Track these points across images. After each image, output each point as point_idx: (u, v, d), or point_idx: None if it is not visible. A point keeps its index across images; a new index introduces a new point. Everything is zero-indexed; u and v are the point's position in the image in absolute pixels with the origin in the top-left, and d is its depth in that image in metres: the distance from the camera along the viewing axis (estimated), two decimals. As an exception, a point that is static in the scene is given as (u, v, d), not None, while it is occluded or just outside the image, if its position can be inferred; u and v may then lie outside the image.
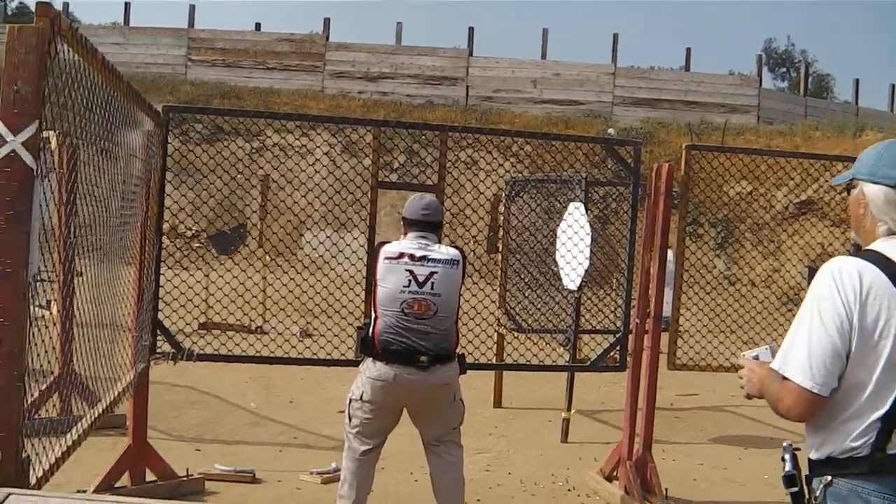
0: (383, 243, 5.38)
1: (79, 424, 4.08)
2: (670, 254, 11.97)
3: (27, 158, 2.89)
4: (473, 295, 7.11)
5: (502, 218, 9.56)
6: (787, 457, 2.87)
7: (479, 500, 6.47)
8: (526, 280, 9.14)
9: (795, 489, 2.82)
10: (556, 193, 8.62)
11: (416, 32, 42.60)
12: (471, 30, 26.18)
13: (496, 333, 8.97)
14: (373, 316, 5.26)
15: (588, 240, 7.22)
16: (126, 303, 5.48)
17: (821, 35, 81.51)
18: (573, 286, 7.50)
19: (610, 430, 8.69)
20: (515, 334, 8.94)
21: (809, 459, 2.85)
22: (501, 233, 9.57)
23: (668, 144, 21.47)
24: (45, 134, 5.83)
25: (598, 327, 9.28)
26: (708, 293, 8.28)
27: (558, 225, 7.83)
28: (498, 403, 9.36)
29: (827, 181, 17.85)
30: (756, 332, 7.30)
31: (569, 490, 6.83)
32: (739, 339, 7.35)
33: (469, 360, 6.42)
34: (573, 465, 7.47)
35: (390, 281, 5.18)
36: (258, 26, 27.96)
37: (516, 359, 7.61)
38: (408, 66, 26.04)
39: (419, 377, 5.14)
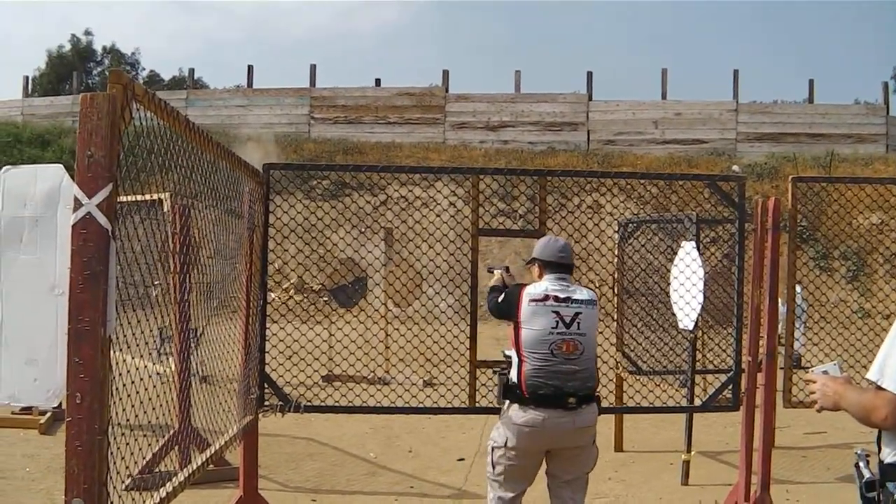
0: (523, 286, 5.38)
1: (175, 478, 4.16)
2: (800, 289, 11.71)
3: (102, 220, 2.99)
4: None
5: (616, 259, 9.48)
6: (861, 464, 3.05)
7: (590, 547, 6.36)
8: (644, 321, 9.03)
9: (873, 494, 2.98)
10: (670, 233, 8.52)
11: (534, 79, 42.86)
12: (589, 74, 26.27)
13: (616, 376, 8.91)
14: (515, 360, 5.24)
15: (701, 279, 7.10)
16: (234, 357, 5.61)
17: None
18: (689, 326, 7.39)
19: (732, 472, 8.44)
20: (635, 377, 8.82)
21: (884, 464, 2.98)
22: (616, 274, 9.48)
23: (745, 177, 21.14)
24: (159, 196, 6.09)
25: (720, 367, 9.11)
26: (846, 328, 8.06)
27: (672, 264, 7.73)
28: (619, 447, 9.23)
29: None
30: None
31: (688, 535, 6.70)
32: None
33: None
34: (694, 508, 7.33)
35: (538, 323, 5.19)
36: (378, 82, 28.45)
37: (638, 401, 7.51)
38: (528, 113, 26.24)
39: (567, 419, 5.12)
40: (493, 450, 5.32)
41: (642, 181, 20.33)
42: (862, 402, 3.00)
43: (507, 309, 5.38)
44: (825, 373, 3.25)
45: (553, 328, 5.17)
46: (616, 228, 9.82)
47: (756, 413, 6.53)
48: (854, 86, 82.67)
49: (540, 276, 5.43)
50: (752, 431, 6.52)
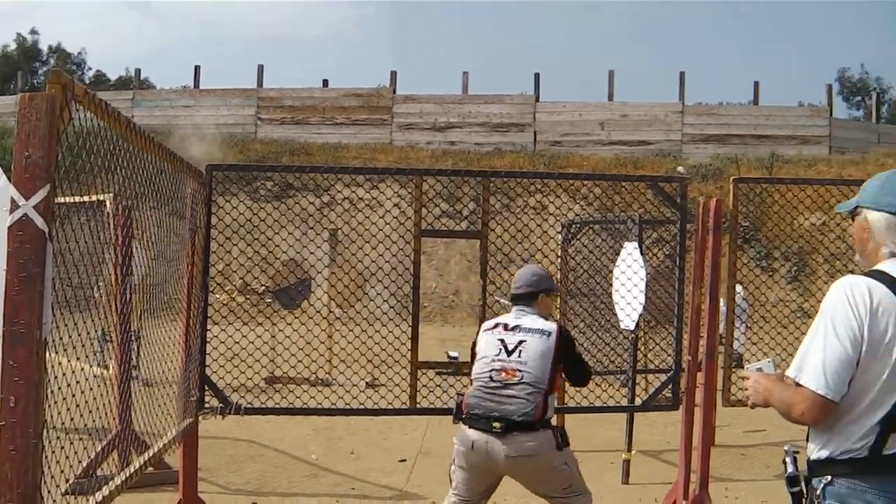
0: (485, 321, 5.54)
1: (112, 482, 4.13)
2: (740, 289, 11.84)
3: (38, 221, 2.97)
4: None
5: (560, 260, 9.54)
6: (788, 459, 3.17)
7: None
8: (586, 321, 9.10)
9: (797, 489, 3.10)
10: (613, 234, 8.59)
11: (482, 80, 42.98)
12: (537, 76, 26.37)
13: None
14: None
15: (643, 279, 7.17)
16: (175, 359, 5.58)
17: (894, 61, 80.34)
18: (630, 326, 7.45)
19: (672, 470, 8.52)
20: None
21: (810, 460, 3.08)
22: (559, 275, 9.54)
23: (688, 178, 21.34)
24: (101, 197, 6.04)
25: (661, 367, 9.19)
26: (784, 328, 8.15)
27: (614, 265, 7.80)
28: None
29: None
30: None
31: (627, 533, 6.76)
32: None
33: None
34: (633, 506, 7.40)
35: (484, 350, 5.31)
36: (325, 83, 28.38)
37: (579, 401, 7.54)
38: (475, 114, 26.29)
39: (496, 446, 5.08)
40: (451, 463, 5.44)
41: (587, 182, 20.52)
42: (783, 399, 3.10)
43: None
44: (759, 370, 3.34)
45: (496, 355, 5.23)
46: (559, 229, 9.89)
47: (696, 412, 6.60)
48: (799, 89, 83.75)
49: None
50: (691, 430, 6.59)
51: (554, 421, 5.34)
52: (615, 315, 7.88)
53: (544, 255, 9.39)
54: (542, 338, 5.21)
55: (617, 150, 25.02)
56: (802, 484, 3.10)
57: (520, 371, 5.13)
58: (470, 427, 5.16)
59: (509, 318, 5.38)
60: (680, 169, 22.86)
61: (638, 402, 7.22)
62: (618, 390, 8.59)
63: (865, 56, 70.82)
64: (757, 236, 20.89)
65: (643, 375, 9.94)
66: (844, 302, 2.99)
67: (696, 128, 25.87)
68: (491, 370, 5.20)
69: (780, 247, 20.57)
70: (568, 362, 5.31)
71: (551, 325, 5.32)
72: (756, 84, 27.09)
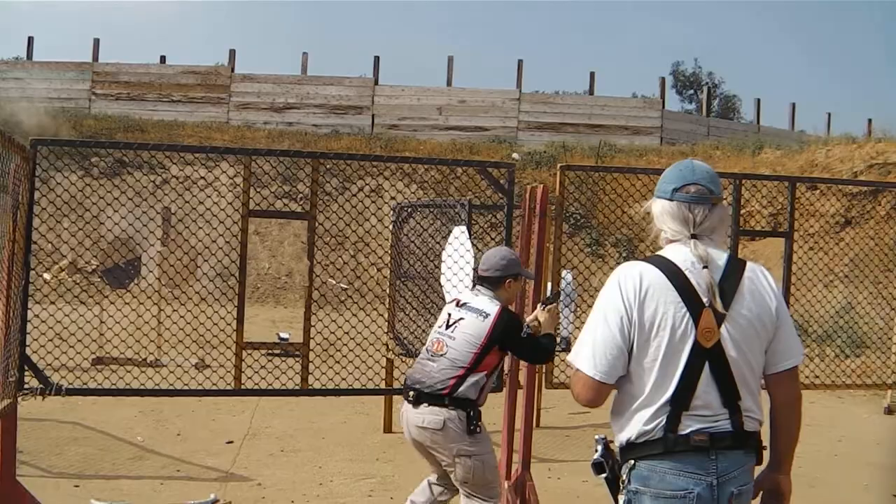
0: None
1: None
2: (568, 275, 12.12)
3: None
4: (362, 321, 7.15)
5: (390, 243, 9.62)
6: (598, 447, 3.21)
7: (347, 525, 6.48)
8: (414, 305, 9.19)
9: (604, 475, 3.16)
10: (442, 217, 8.69)
11: (322, 63, 42.72)
12: (376, 59, 26.36)
13: (386, 360, 9.04)
14: None
15: (470, 263, 7.28)
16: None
17: (727, 56, 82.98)
18: (458, 309, 7.56)
19: (498, 451, 8.75)
20: (404, 359, 8.97)
21: (618, 447, 3.17)
22: (389, 258, 9.61)
23: (515, 164, 21.72)
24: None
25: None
26: None
27: (443, 249, 7.89)
28: (388, 428, 9.38)
29: (726, 198, 18.29)
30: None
31: (449, 512, 6.88)
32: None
33: (357, 385, 6.48)
34: (458, 487, 7.52)
35: (437, 322, 5.55)
36: (163, 59, 27.81)
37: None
38: (313, 95, 26.16)
39: (411, 414, 5.27)
40: None
41: (424, 166, 20.67)
42: (571, 381, 3.23)
43: None
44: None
45: (439, 327, 5.42)
46: (388, 213, 9.96)
47: (519, 394, 6.77)
48: (634, 81, 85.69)
49: None
50: (514, 411, 6.76)
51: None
52: (443, 298, 8.00)
53: (374, 237, 9.50)
54: (479, 318, 5.27)
55: (454, 135, 25.22)
56: (608, 469, 3.18)
57: (447, 346, 5.25)
58: (404, 398, 5.36)
59: (466, 296, 5.53)
60: (514, 155, 23.19)
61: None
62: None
63: (699, 51, 72.70)
64: (588, 224, 21.37)
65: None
66: (616, 288, 3.13)
67: (531, 115, 26.28)
68: (431, 340, 5.41)
69: (613, 234, 21.10)
70: (512, 345, 5.34)
71: (494, 308, 5.33)
72: (592, 74, 27.73)
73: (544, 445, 8.70)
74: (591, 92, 27.85)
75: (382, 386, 8.78)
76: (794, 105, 31.58)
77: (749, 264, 3.26)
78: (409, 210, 9.47)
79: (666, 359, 3.07)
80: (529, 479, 6.65)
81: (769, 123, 30.63)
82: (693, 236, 3.20)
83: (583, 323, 3.26)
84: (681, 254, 3.17)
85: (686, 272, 3.12)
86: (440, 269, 7.88)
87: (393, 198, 11.09)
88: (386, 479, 7.71)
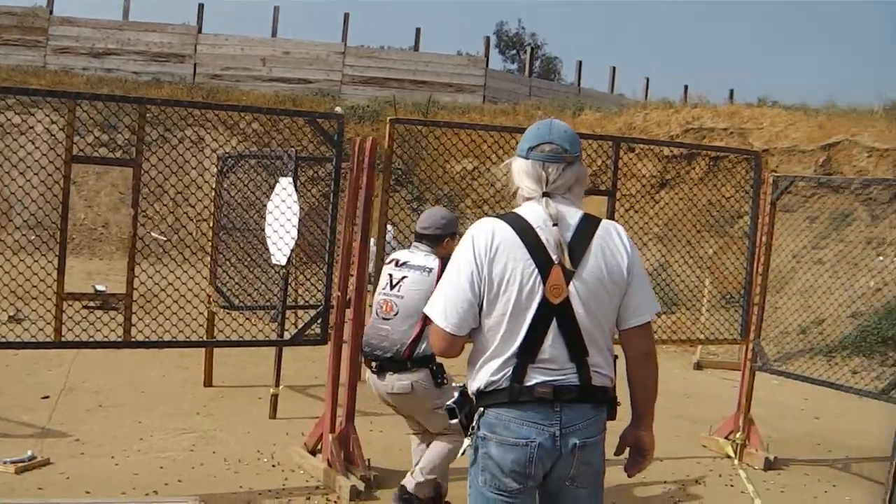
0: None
1: None
2: (390, 231, 12.10)
3: None
4: (184, 273, 6.94)
5: (214, 194, 9.39)
6: (455, 394, 3.32)
7: (180, 481, 6.32)
8: (239, 256, 9.01)
9: (455, 420, 3.29)
10: (268, 169, 8.52)
11: (144, 8, 41.34)
12: (200, 6, 25.62)
13: (208, 311, 8.83)
14: None
15: (296, 215, 7.15)
16: None
17: (550, 19, 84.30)
18: (281, 261, 7.43)
19: (318, 405, 8.63)
20: (228, 312, 8.79)
21: (471, 393, 3.31)
22: (213, 208, 9.39)
23: (344, 115, 21.63)
24: None
25: (311, 302, 9.27)
26: None
27: (268, 200, 7.74)
28: (209, 382, 9.22)
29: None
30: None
31: (273, 466, 6.80)
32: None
33: (180, 338, 6.32)
34: (280, 440, 7.45)
35: (378, 285, 5.76)
36: (-24, -1, 26.38)
37: (228, 335, 7.46)
38: (134, 42, 25.27)
39: (380, 384, 5.58)
40: None
41: (246, 117, 20.26)
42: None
43: None
44: None
45: (383, 289, 5.64)
46: (215, 162, 9.71)
47: (343, 347, 6.72)
48: (460, 39, 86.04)
49: None
50: (338, 365, 6.70)
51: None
52: (268, 250, 7.86)
53: (194, 191, 9.21)
54: (423, 274, 5.50)
55: (277, 87, 24.75)
56: (460, 415, 3.29)
57: (396, 305, 5.50)
58: (366, 367, 5.70)
59: (403, 255, 5.72)
60: (338, 109, 22.93)
61: (287, 337, 7.24)
62: (267, 325, 8.57)
63: (523, 12, 73.50)
64: (410, 179, 21.36)
65: (293, 311, 9.99)
66: (469, 245, 3.24)
67: (356, 70, 26.02)
68: (377, 303, 5.61)
69: (433, 190, 21.18)
70: None
71: (435, 262, 5.53)
72: (418, 30, 27.59)
73: (369, 398, 8.67)
74: (416, 48, 27.76)
75: (205, 338, 8.58)
76: (613, 69, 32.28)
77: (604, 223, 3.34)
78: (234, 161, 9.25)
79: (514, 313, 3.18)
80: (353, 432, 6.64)
81: (590, 86, 31.25)
82: (545, 194, 3.28)
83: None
84: (534, 211, 3.26)
85: (537, 230, 3.21)
86: (265, 221, 7.74)
87: (214, 151, 10.81)
88: (207, 433, 7.58)
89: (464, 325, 3.23)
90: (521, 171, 3.35)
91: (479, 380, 3.24)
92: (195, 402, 8.55)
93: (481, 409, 3.25)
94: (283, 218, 7.06)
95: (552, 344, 3.18)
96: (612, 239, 3.30)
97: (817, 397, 10.37)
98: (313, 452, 6.84)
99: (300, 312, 9.53)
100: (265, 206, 7.91)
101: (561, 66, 47.04)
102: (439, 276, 5.11)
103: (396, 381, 5.48)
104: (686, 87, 31.07)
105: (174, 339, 6.46)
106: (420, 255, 5.63)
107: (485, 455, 3.23)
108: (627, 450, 3.46)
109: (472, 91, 26.57)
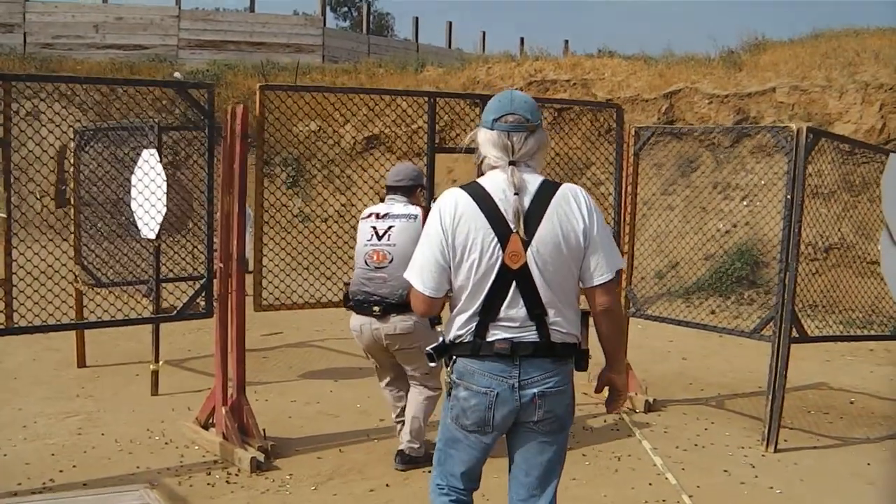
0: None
1: None
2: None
3: None
4: (43, 249, 6.70)
5: (73, 169, 9.09)
6: (439, 339, 3.72)
7: (74, 466, 6.16)
8: (102, 232, 8.77)
9: (434, 364, 3.76)
10: (128, 141, 8.30)
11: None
12: (26, -27, 24.59)
13: (75, 291, 8.58)
14: None
15: (163, 187, 6.97)
16: None
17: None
18: (152, 235, 7.25)
19: (199, 378, 8.61)
20: (95, 289, 8.55)
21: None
22: (73, 185, 9.09)
23: (235, 86, 21.27)
24: None
25: (179, 275, 9.12)
26: (288, 233, 8.28)
27: (132, 173, 7.54)
28: (82, 363, 8.98)
29: (389, 116, 18.16)
30: (333, 266, 7.44)
31: (167, 443, 6.70)
32: (322, 274, 7.45)
33: (51, 321, 6.11)
34: (167, 417, 7.34)
35: (360, 237, 6.13)
36: None
37: (100, 315, 7.25)
38: (-41, 12, 24.07)
39: (378, 325, 5.95)
40: None
41: (86, 87, 19.60)
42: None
43: None
44: None
45: (368, 240, 6.04)
46: (71, 137, 9.37)
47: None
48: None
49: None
50: (226, 336, 6.63)
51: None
52: (134, 225, 7.67)
53: (43, 163, 8.90)
54: (409, 221, 5.99)
55: (112, 53, 23.98)
56: (437, 359, 3.71)
57: (390, 253, 5.94)
58: (356, 313, 6.03)
59: (381, 208, 6.15)
60: (176, 74, 22.42)
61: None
62: (139, 301, 8.37)
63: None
64: (254, 143, 20.99)
65: (165, 284, 9.79)
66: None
67: (192, 33, 25.43)
68: (365, 255, 6.01)
69: (280, 153, 20.93)
70: None
71: (417, 210, 6.07)
72: (253, -9, 27.22)
73: (250, 370, 8.62)
74: (251, 9, 27.29)
75: (75, 319, 8.35)
76: (450, 24, 32.43)
77: (563, 188, 3.62)
78: (92, 133, 8.97)
79: (477, 277, 3.53)
80: (246, 403, 6.61)
81: (426, 41, 31.30)
82: (511, 163, 3.58)
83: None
84: (495, 181, 3.58)
85: (497, 200, 3.53)
86: (130, 194, 7.55)
87: (52, 120, 10.45)
88: (91, 415, 7.41)
89: (440, 288, 3.60)
90: (486, 142, 3.62)
91: (450, 332, 3.64)
92: (73, 384, 8.33)
93: (453, 356, 3.64)
94: (148, 191, 6.89)
95: (511, 304, 3.52)
96: (568, 205, 3.56)
97: (680, 339, 10.76)
98: (205, 427, 6.77)
99: (172, 285, 9.31)
100: (126, 178, 7.72)
101: (394, 21, 47.07)
102: (423, 222, 5.20)
103: (400, 322, 5.91)
104: (522, 40, 31.44)
105: (59, 323, 6.26)
106: (400, 206, 6.09)
107: (454, 396, 3.66)
108: (606, 389, 3.86)
109: (310, 51, 26.29)
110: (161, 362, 8.21)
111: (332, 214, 17.45)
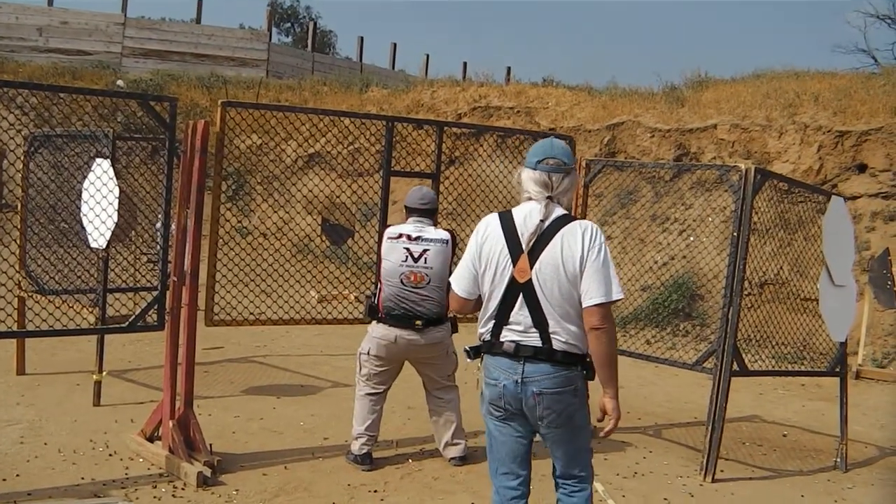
0: (388, 226, 6.73)
1: None
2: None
3: None
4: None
5: (21, 175, 9.00)
6: (468, 348, 4.45)
7: (18, 476, 6.11)
8: (48, 240, 8.68)
9: (470, 359, 4.45)
10: (80, 149, 8.25)
11: None
12: (-29, -28, 24.25)
13: (17, 298, 8.49)
14: (378, 286, 6.67)
15: (115, 197, 6.94)
16: None
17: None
18: (101, 244, 7.21)
19: (141, 390, 8.57)
20: (37, 297, 8.45)
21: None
22: (19, 191, 9.00)
23: (178, 97, 21.16)
24: None
25: (122, 285, 9.08)
26: (225, 242, 8.23)
27: (82, 181, 7.50)
28: (21, 370, 8.89)
29: (334, 134, 18.17)
30: (273, 282, 7.47)
31: (111, 455, 6.66)
32: (259, 289, 7.46)
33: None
34: (110, 428, 7.29)
35: (392, 257, 6.54)
36: None
37: (38, 324, 7.15)
38: None
39: (416, 337, 6.57)
40: (360, 355, 6.80)
41: (21, 91, 19.35)
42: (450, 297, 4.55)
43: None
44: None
45: (403, 261, 6.51)
46: (6, 140, 9.27)
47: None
48: (240, 11, 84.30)
49: (405, 220, 6.73)
50: (177, 350, 6.62)
51: None
52: (83, 232, 7.61)
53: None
54: (443, 245, 6.58)
55: (55, 58, 23.71)
56: (474, 355, 4.44)
57: (427, 275, 6.52)
58: (390, 325, 6.57)
59: (409, 230, 6.60)
60: (119, 83, 22.28)
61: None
62: (84, 308, 8.29)
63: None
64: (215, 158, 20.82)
65: (113, 295, 9.72)
66: (474, 233, 4.39)
67: (137, 41, 25.25)
68: (400, 275, 6.50)
69: (224, 167, 20.87)
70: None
71: (446, 235, 6.64)
72: (199, 2, 27.04)
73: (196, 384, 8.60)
74: (198, 20, 27.22)
75: (14, 326, 8.25)
76: (395, 45, 32.54)
77: (575, 222, 4.28)
78: (43, 140, 8.91)
79: (494, 287, 4.30)
80: (193, 417, 6.61)
81: (369, 61, 31.37)
82: (548, 198, 4.28)
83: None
84: (523, 209, 4.33)
85: (517, 224, 4.27)
86: (79, 203, 7.50)
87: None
88: (33, 423, 7.33)
89: (471, 291, 4.39)
90: (529, 179, 4.35)
91: (478, 332, 4.41)
92: (12, 392, 8.24)
93: (483, 353, 4.40)
94: (95, 200, 6.84)
95: (519, 311, 4.24)
96: (573, 235, 4.20)
97: (617, 368, 10.87)
98: (150, 439, 6.75)
99: (117, 295, 9.24)
100: (72, 186, 7.68)
101: (336, 40, 47.10)
102: (453, 246, 6.62)
103: (435, 332, 6.64)
104: (465, 65, 31.65)
105: (10, 330, 6.21)
106: (431, 230, 6.64)
107: (481, 391, 4.44)
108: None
109: (255, 65, 26.27)
110: (104, 373, 8.15)
111: (269, 230, 17.51)
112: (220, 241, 7.10)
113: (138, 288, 9.24)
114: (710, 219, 14.53)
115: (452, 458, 6.96)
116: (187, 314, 6.57)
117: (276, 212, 16.58)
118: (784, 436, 8.77)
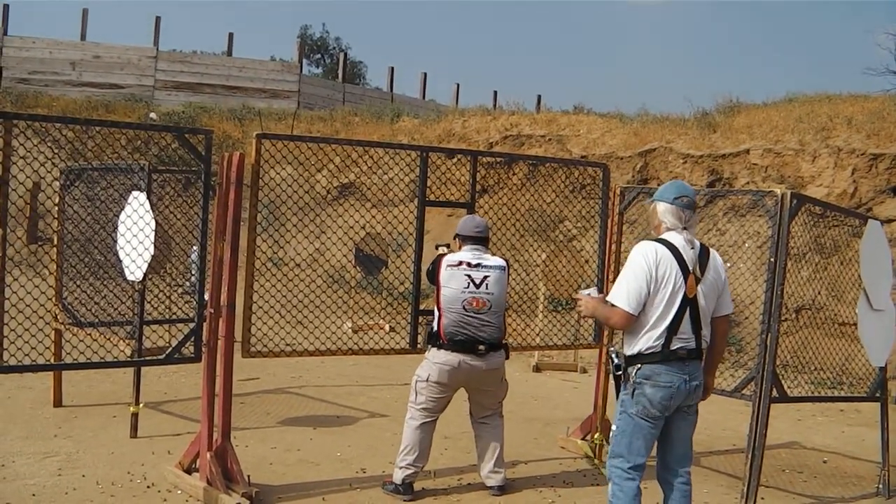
0: (443, 255, 6.88)
1: None
2: (195, 249, 11.93)
3: None
4: (21, 287, 6.65)
5: (57, 208, 9.06)
6: (613, 355, 5.28)
7: (56, 508, 6.13)
8: (84, 273, 8.73)
9: (619, 373, 5.21)
10: (116, 181, 8.30)
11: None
12: (5, 7, 24.63)
13: (53, 331, 8.53)
14: (437, 314, 6.75)
15: (151, 230, 6.96)
16: None
17: (354, 22, 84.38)
18: (137, 276, 7.24)
19: (177, 422, 8.57)
20: (73, 330, 8.47)
21: (626, 356, 5.18)
22: (56, 224, 9.05)
23: (213, 130, 21.30)
24: None
25: (158, 317, 9.12)
26: (261, 274, 8.22)
27: (118, 214, 7.53)
28: (58, 402, 8.91)
29: (366, 164, 18.17)
30: (310, 312, 7.46)
31: (148, 487, 6.63)
32: (296, 320, 7.46)
33: (26, 360, 6.05)
34: (147, 460, 7.28)
35: (453, 284, 6.69)
36: None
37: (76, 357, 7.18)
38: (-68, 45, 23.99)
39: (478, 363, 6.67)
40: (416, 382, 6.80)
41: (57, 125, 19.54)
42: (605, 313, 5.20)
43: (431, 274, 6.88)
44: (589, 294, 5.36)
45: (465, 288, 6.66)
46: (43, 174, 9.34)
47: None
48: (270, 43, 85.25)
49: (459, 248, 6.91)
50: (213, 381, 6.61)
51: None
52: (119, 265, 7.64)
53: (12, 202, 8.83)
54: (501, 272, 6.78)
55: (88, 91, 24.03)
56: (622, 371, 5.19)
57: (489, 301, 6.69)
58: (453, 350, 6.63)
59: (468, 257, 6.78)
60: (152, 115, 22.51)
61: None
62: (121, 340, 8.31)
63: (326, 15, 73.40)
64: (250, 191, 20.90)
65: (150, 327, 9.75)
66: (641, 256, 5.05)
67: (168, 74, 25.54)
68: (463, 301, 6.64)
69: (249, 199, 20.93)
70: None
71: (503, 262, 6.86)
72: (230, 35, 27.32)
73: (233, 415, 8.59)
74: (229, 53, 27.46)
75: (52, 359, 8.29)
76: (425, 74, 32.65)
77: (712, 251, 5.33)
78: (78, 173, 8.97)
79: (667, 302, 5.07)
80: (230, 448, 6.60)
81: (400, 92, 31.48)
82: (683, 228, 5.19)
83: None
84: (675, 239, 5.16)
85: (681, 250, 5.11)
86: (115, 235, 7.53)
87: (24, 157, 10.44)
88: (71, 455, 7.34)
89: (639, 308, 5.04)
90: (667, 212, 5.22)
91: (641, 345, 5.10)
92: (49, 424, 8.26)
93: (639, 364, 5.10)
94: (131, 233, 6.87)
95: (685, 322, 5.11)
96: (716, 261, 5.33)
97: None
98: (188, 471, 6.74)
99: (154, 327, 9.26)
100: (110, 220, 7.71)
101: (366, 70, 47.30)
102: (508, 273, 6.85)
103: (496, 358, 6.76)
104: (496, 94, 31.67)
105: (48, 363, 6.24)
106: (489, 257, 6.83)
107: (640, 394, 5.11)
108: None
109: (286, 97, 26.49)
110: (141, 404, 8.16)
111: (304, 261, 17.52)
112: (256, 272, 7.12)
113: (174, 320, 9.28)
114: (745, 244, 14.46)
115: (492, 487, 6.95)
116: (224, 346, 6.57)
117: (311, 242, 16.61)
118: (824, 462, 8.67)
